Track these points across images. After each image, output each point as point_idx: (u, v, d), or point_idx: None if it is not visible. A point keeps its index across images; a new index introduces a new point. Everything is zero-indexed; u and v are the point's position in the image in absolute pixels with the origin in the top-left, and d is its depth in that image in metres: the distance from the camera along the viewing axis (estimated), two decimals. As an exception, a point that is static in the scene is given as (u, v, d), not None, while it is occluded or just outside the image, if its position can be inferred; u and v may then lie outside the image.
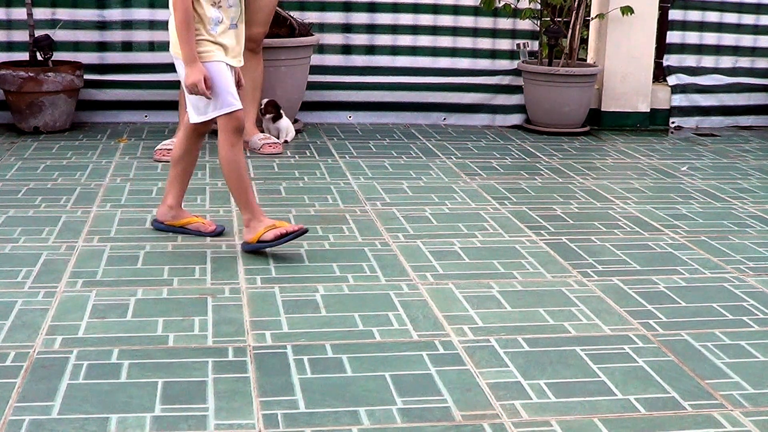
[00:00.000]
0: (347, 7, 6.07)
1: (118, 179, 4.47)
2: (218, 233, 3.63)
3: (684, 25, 6.56)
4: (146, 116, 5.85)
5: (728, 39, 6.63)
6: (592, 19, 6.24)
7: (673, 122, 6.52)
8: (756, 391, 2.47)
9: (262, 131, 5.31)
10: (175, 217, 3.65)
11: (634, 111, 6.31)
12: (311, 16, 5.96)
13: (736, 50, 6.66)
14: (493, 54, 6.26)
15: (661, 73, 6.57)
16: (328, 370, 2.50)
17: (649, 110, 6.36)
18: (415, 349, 2.66)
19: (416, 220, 3.95)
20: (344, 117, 6.15)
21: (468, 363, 2.58)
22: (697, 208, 4.35)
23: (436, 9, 6.14)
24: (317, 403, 2.32)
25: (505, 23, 6.19)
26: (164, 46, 5.61)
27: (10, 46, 5.64)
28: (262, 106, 5.28)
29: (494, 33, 6.23)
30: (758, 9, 6.63)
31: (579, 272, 3.37)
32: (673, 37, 6.56)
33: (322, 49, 6.00)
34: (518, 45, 6.24)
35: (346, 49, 6.10)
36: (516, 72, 6.21)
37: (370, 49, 6.12)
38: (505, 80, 6.26)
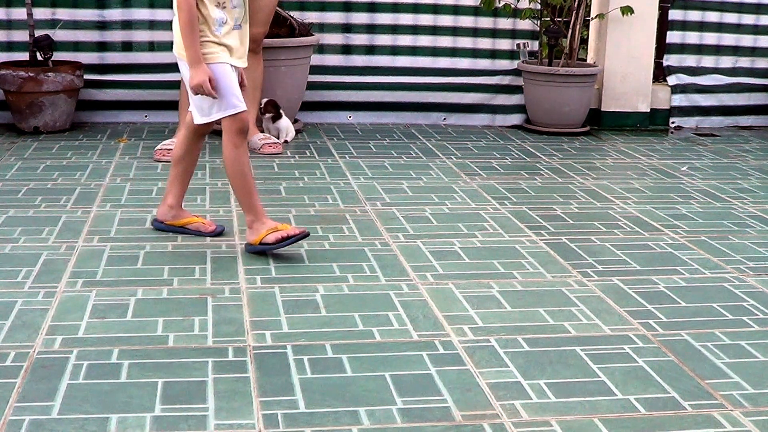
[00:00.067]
0: (347, 7, 6.07)
1: (118, 179, 4.47)
2: (218, 233, 3.63)
3: (684, 25, 6.56)
4: (146, 116, 5.85)
5: (728, 39, 6.63)
6: (592, 19, 6.24)
7: (673, 122, 6.51)
8: (756, 391, 2.47)
9: (262, 131, 5.31)
10: (176, 217, 3.65)
11: (634, 111, 6.31)
12: (311, 16, 5.96)
13: (736, 50, 6.65)
14: (493, 54, 6.25)
15: (661, 73, 6.57)
16: (328, 370, 2.50)
17: (649, 110, 6.36)
18: (415, 349, 2.65)
19: (416, 220, 3.95)
20: (344, 117, 6.15)
21: (468, 363, 2.58)
22: (697, 208, 4.35)
23: (436, 9, 6.14)
24: (317, 403, 2.32)
25: (505, 23, 6.19)
26: (164, 46, 5.62)
27: (10, 46, 5.64)
28: (262, 106, 5.28)
29: (494, 33, 6.23)
30: (758, 9, 6.63)
31: (579, 272, 3.37)
32: (673, 37, 6.55)
33: (322, 49, 6.00)
34: (518, 45, 6.24)
35: (346, 49, 6.10)
36: (516, 72, 6.21)
37: (370, 49, 6.12)
38: (505, 80, 6.26)
